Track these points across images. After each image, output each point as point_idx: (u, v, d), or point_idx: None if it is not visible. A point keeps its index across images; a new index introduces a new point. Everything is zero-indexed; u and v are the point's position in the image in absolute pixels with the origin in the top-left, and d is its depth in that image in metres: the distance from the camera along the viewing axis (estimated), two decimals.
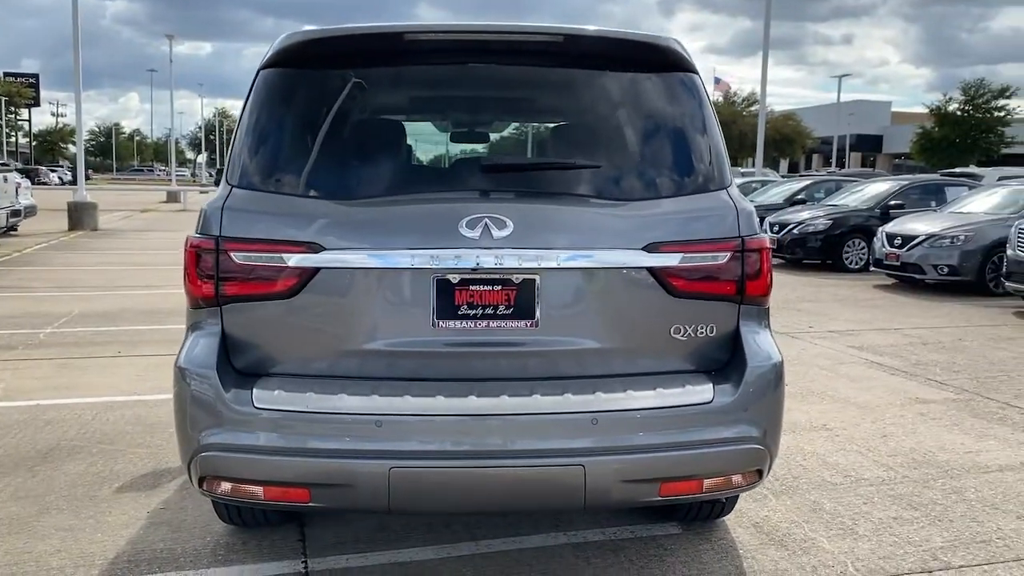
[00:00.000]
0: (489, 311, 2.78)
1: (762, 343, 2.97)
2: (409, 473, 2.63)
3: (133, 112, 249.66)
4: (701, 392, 2.82)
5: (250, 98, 3.03)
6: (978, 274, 11.86)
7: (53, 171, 58.22)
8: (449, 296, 2.77)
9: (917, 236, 12.32)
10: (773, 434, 2.93)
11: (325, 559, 3.46)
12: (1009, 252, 10.51)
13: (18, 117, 78.94)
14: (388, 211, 2.85)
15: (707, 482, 2.82)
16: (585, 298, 2.85)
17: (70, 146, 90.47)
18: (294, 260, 2.75)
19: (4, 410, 5.48)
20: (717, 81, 59.92)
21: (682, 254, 2.85)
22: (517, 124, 5.34)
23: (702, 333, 2.92)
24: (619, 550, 3.58)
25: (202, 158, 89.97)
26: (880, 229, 13.32)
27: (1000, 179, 16.56)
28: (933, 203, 15.23)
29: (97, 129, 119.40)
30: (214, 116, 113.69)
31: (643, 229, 2.85)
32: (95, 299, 10.10)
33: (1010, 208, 12.51)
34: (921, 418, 5.66)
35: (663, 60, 3.08)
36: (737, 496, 3.70)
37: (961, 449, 5.01)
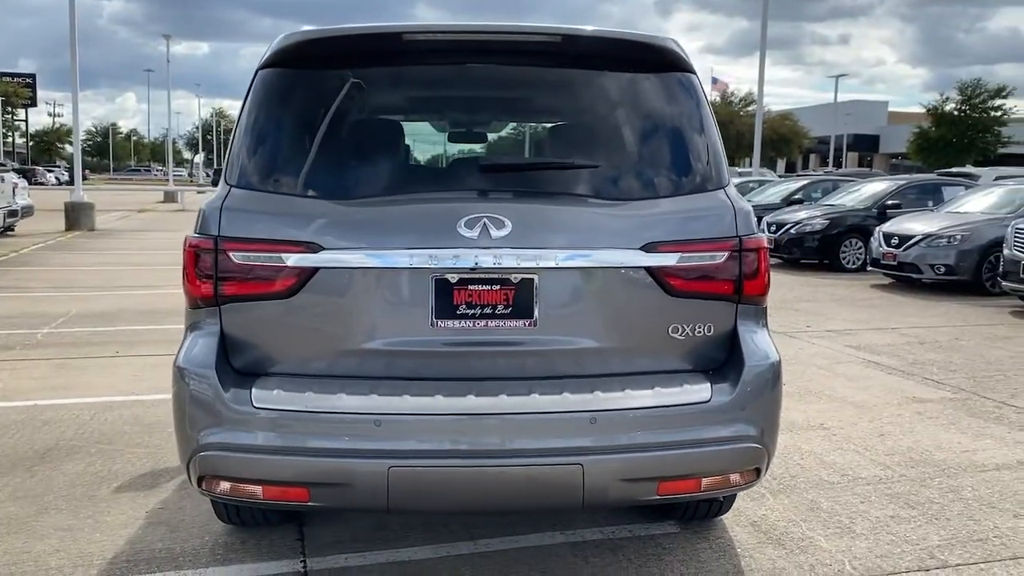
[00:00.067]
0: (488, 311, 2.79)
1: (760, 342, 2.98)
2: (408, 472, 2.64)
3: (130, 112, 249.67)
4: (699, 391, 2.83)
5: (248, 98, 3.03)
6: (975, 274, 11.89)
7: (50, 171, 58.25)
8: (448, 296, 2.77)
9: (914, 236, 12.35)
10: (771, 433, 2.94)
11: (324, 558, 3.47)
12: (1006, 252, 10.54)
13: (15, 117, 78.82)
14: (386, 211, 2.86)
15: (705, 481, 2.83)
16: (583, 298, 2.86)
17: (67, 146, 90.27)
18: (293, 260, 2.76)
19: (2, 410, 5.48)
20: (714, 81, 59.96)
21: (680, 254, 2.86)
22: (515, 124, 5.35)
23: (700, 332, 2.93)
24: (617, 549, 3.58)
25: (199, 158, 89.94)
26: (877, 229, 13.35)
27: (996, 179, 16.59)
28: (930, 203, 15.26)
29: (94, 129, 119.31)
30: (211, 116, 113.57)
31: (641, 229, 2.86)
32: (93, 299, 10.09)
33: (1006, 208, 12.54)
34: (918, 417, 5.68)
35: (661, 60, 3.09)
36: (735, 495, 3.71)
37: (958, 448, 5.02)
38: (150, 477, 4.36)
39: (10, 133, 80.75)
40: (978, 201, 13.38)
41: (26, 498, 4.06)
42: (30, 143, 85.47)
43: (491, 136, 4.95)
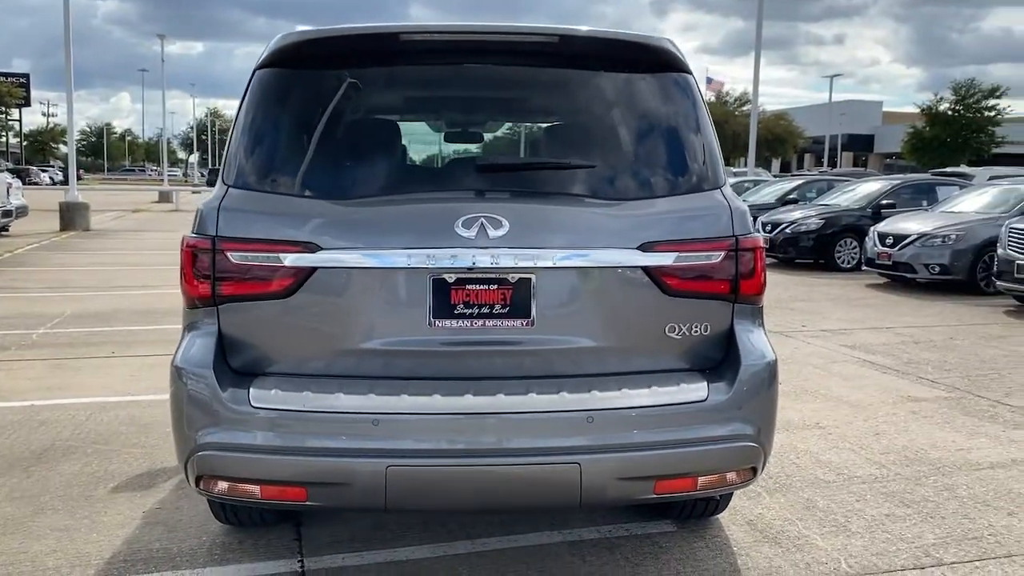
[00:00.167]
0: (485, 310, 2.80)
1: (756, 342, 2.99)
2: (406, 471, 2.64)
3: (124, 112, 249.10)
4: (696, 390, 2.84)
5: (246, 98, 3.03)
6: (969, 273, 11.93)
7: (44, 171, 58.08)
8: (445, 295, 2.78)
9: (909, 235, 12.38)
10: (767, 432, 2.95)
11: (321, 558, 3.47)
12: (1000, 251, 10.58)
13: (8, 117, 78.57)
14: (384, 211, 2.86)
15: (702, 480, 2.84)
16: (580, 297, 2.87)
17: (61, 146, 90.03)
18: (290, 260, 2.76)
19: None
20: (709, 81, 59.97)
21: (677, 253, 2.87)
22: (512, 124, 5.36)
23: (696, 332, 2.94)
24: (614, 548, 3.59)
25: (194, 158, 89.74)
26: (872, 228, 13.39)
27: (991, 178, 16.64)
28: (924, 202, 15.31)
29: (88, 129, 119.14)
30: (206, 116, 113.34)
31: (638, 228, 2.87)
32: (88, 299, 10.08)
33: (1001, 207, 12.58)
34: (913, 416, 5.70)
35: (657, 60, 3.10)
36: (731, 494, 3.72)
37: (953, 447, 5.05)
38: (147, 477, 4.36)
39: (4, 133, 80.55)
40: (972, 201, 13.43)
41: (23, 498, 4.05)
42: (24, 143, 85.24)
43: (488, 136, 4.95)
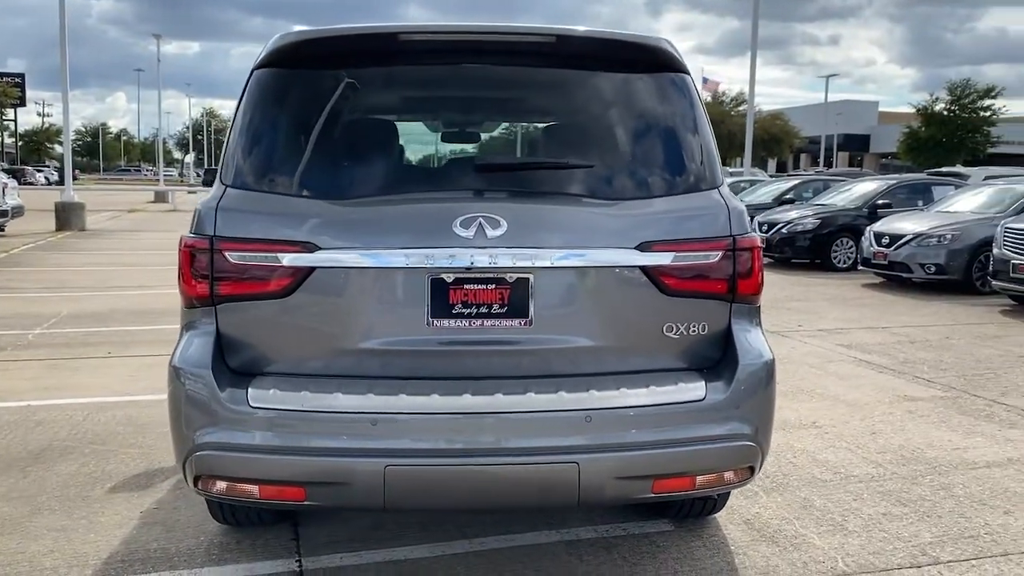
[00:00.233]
0: (483, 310, 2.80)
1: (753, 341, 3.00)
2: (404, 471, 2.65)
3: (120, 112, 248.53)
4: (693, 390, 2.84)
5: (244, 98, 3.04)
6: (965, 273, 11.96)
7: (39, 171, 57.87)
8: (443, 295, 2.78)
9: (905, 235, 12.41)
10: (765, 431, 2.96)
11: (319, 558, 3.47)
12: (995, 251, 10.60)
13: (4, 117, 78.27)
14: (382, 211, 2.87)
15: (699, 479, 2.85)
16: (578, 297, 2.87)
17: (56, 146, 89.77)
18: (289, 260, 2.76)
19: None
20: (705, 81, 60.01)
21: (674, 253, 2.88)
22: (510, 124, 5.36)
23: (694, 331, 2.95)
24: (612, 547, 3.60)
25: (190, 158, 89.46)
26: (868, 228, 13.41)
27: (986, 178, 16.68)
28: (920, 202, 15.35)
29: (84, 129, 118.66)
30: (202, 116, 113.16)
31: (636, 228, 2.88)
32: (84, 300, 10.06)
33: (996, 207, 12.61)
34: (909, 415, 5.71)
35: (654, 60, 3.10)
36: (729, 493, 3.73)
37: (949, 446, 5.06)
38: (144, 477, 4.36)
39: None
40: (968, 201, 13.46)
41: (20, 499, 4.05)
42: (19, 143, 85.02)
43: (486, 136, 4.95)
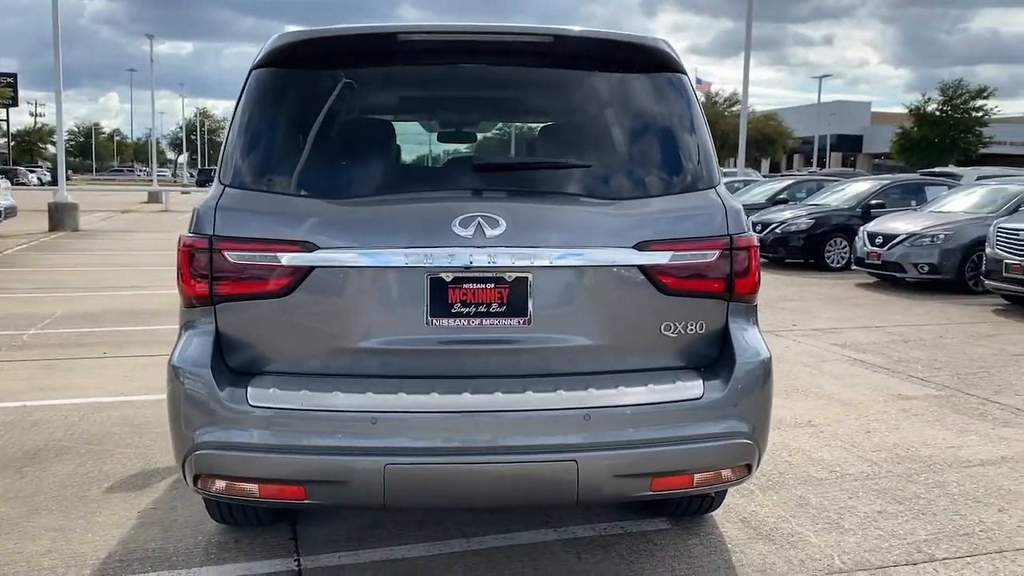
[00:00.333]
0: (482, 309, 2.81)
1: (750, 340, 3.01)
2: (404, 470, 2.65)
3: (113, 112, 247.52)
4: (691, 388, 2.86)
5: (242, 98, 3.04)
6: (958, 272, 12.01)
7: (32, 172, 57.69)
8: (443, 294, 2.79)
9: (898, 235, 12.45)
10: (762, 429, 2.97)
11: (318, 557, 3.47)
12: (988, 251, 10.65)
13: None
14: (381, 210, 2.87)
15: (697, 477, 2.86)
16: (577, 296, 2.88)
17: (49, 146, 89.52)
18: (288, 259, 2.77)
19: None
20: (699, 82, 60.10)
21: (672, 252, 2.89)
22: (508, 124, 5.37)
23: (692, 330, 2.96)
24: (609, 546, 3.61)
25: (183, 158, 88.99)
26: (861, 228, 13.45)
27: (979, 179, 16.75)
28: (913, 202, 15.40)
29: (76, 129, 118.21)
30: (195, 116, 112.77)
31: (634, 227, 2.89)
32: (78, 300, 10.03)
33: (988, 207, 12.66)
34: (904, 414, 5.74)
35: (652, 60, 3.12)
36: (726, 491, 3.75)
37: (943, 444, 5.09)
38: (141, 477, 4.35)
39: None
40: (961, 201, 13.51)
41: (16, 499, 4.04)
42: (11, 143, 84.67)
43: (484, 136, 4.97)
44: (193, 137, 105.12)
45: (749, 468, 2.96)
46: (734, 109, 55.15)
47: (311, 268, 2.77)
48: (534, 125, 3.75)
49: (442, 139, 4.50)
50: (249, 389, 2.74)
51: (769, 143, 60.66)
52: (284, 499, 2.79)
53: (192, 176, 64.40)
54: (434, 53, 3.08)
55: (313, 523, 3.76)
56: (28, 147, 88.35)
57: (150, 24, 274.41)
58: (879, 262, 12.62)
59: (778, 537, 3.74)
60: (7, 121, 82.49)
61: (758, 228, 15.45)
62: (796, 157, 67.33)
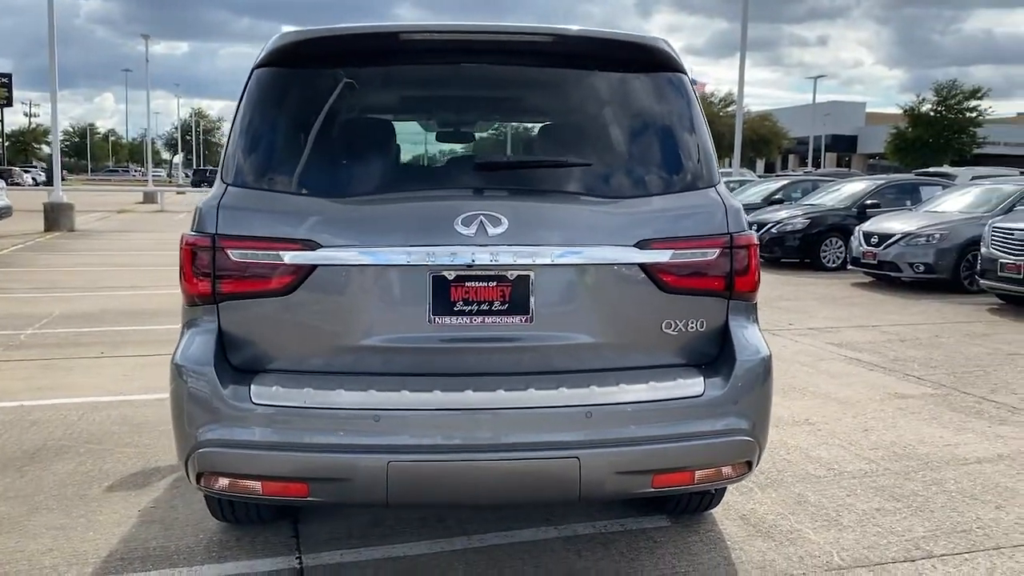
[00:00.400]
0: (484, 307, 2.82)
1: (750, 337, 3.03)
2: (407, 467, 2.67)
3: (108, 112, 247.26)
4: (692, 385, 2.88)
5: (244, 97, 3.05)
6: (953, 272, 12.06)
7: (27, 172, 57.51)
8: (445, 292, 2.80)
9: (893, 235, 12.50)
10: (762, 426, 2.99)
11: (319, 555, 3.49)
12: (983, 250, 10.69)
13: None
14: (384, 209, 2.89)
15: (698, 473, 2.88)
16: (578, 294, 2.90)
17: (43, 147, 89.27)
18: (290, 257, 2.78)
19: None
20: (693, 83, 60.12)
21: (673, 250, 2.91)
22: (510, 123, 5.38)
23: (692, 328, 2.98)
24: (609, 543, 3.63)
25: (178, 158, 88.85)
26: (857, 228, 13.50)
27: (973, 179, 16.81)
28: (908, 202, 15.46)
29: (72, 129, 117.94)
30: (190, 116, 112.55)
31: (635, 226, 2.91)
32: (76, 300, 10.02)
33: (983, 207, 12.72)
34: (900, 412, 5.77)
35: (652, 60, 3.14)
36: (725, 489, 3.77)
37: (940, 442, 5.11)
38: (141, 476, 4.36)
39: None
40: (955, 200, 13.57)
41: (16, 498, 4.05)
42: (6, 143, 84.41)
43: (486, 135, 4.98)
44: (188, 137, 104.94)
45: (749, 465, 2.98)
46: (729, 110, 55.30)
47: (314, 266, 2.78)
48: (535, 124, 3.76)
49: (444, 138, 4.51)
50: (252, 387, 2.75)
51: (764, 143, 60.82)
52: (287, 496, 2.80)
53: (187, 176, 64.21)
54: (436, 52, 3.10)
55: (314, 521, 3.77)
56: (23, 147, 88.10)
57: (146, 24, 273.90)
58: (875, 262, 12.66)
59: (777, 534, 3.76)
60: (1, 121, 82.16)
61: (754, 228, 15.47)
62: (791, 157, 67.48)
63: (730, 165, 32.60)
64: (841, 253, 14.93)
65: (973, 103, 48.25)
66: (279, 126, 3.07)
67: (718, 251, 2.96)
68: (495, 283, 2.81)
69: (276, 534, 3.65)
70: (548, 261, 2.81)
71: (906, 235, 12.36)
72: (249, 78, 3.08)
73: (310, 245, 2.78)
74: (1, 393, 5.89)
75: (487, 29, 2.99)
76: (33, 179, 54.01)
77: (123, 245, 17.94)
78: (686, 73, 3.20)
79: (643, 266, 2.90)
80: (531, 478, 2.74)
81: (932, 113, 48.52)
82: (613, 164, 3.11)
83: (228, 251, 2.80)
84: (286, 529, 3.69)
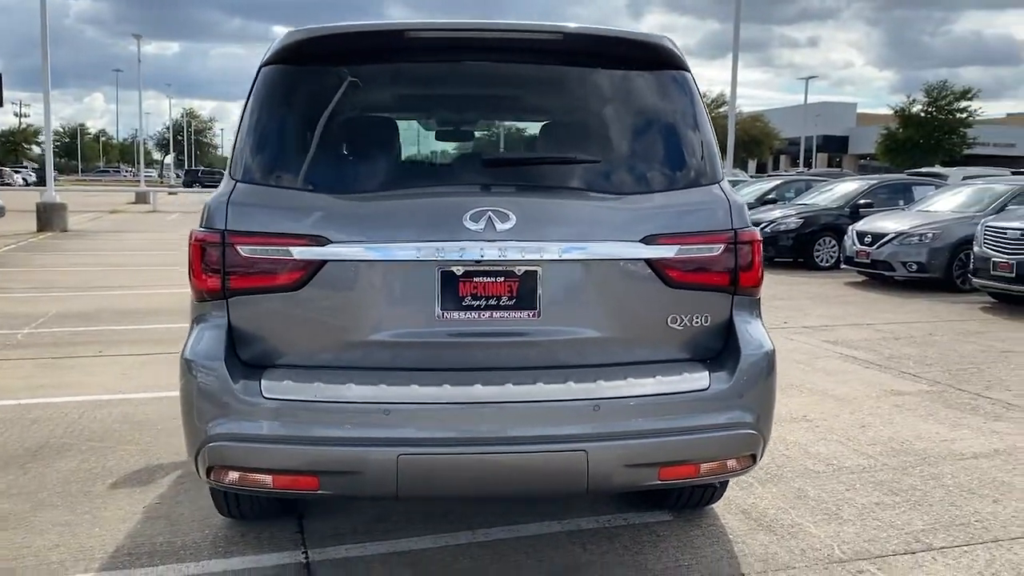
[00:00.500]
0: (492, 302, 2.85)
1: (754, 332, 3.07)
2: (416, 460, 2.69)
3: (98, 112, 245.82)
4: (697, 379, 2.91)
5: (252, 95, 3.07)
6: (946, 271, 12.14)
7: (17, 172, 57.28)
8: (453, 288, 2.83)
9: (886, 234, 12.57)
10: (766, 420, 3.03)
11: (324, 550, 3.51)
12: (976, 249, 10.78)
13: None
14: (392, 205, 2.91)
15: (704, 466, 2.91)
16: (585, 289, 2.93)
17: (34, 147, 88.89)
18: (300, 253, 2.80)
19: None
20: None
21: (678, 246, 2.94)
22: (516, 120, 5.40)
23: (698, 323, 3.01)
24: (613, 537, 3.66)
25: (170, 159, 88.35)
26: (850, 227, 13.57)
27: (965, 179, 16.92)
28: (901, 202, 15.54)
29: (62, 130, 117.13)
30: (182, 116, 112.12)
31: (640, 222, 2.94)
32: (71, 300, 10.00)
33: (975, 206, 12.81)
34: (897, 409, 5.82)
35: (656, 58, 3.17)
36: (727, 483, 3.81)
37: (937, 438, 5.16)
38: (145, 473, 4.37)
39: None
40: (948, 200, 13.66)
41: (20, 495, 4.05)
42: None
43: (493, 132, 5.00)
44: (180, 138, 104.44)
45: (753, 458, 3.01)
46: (721, 110, 55.35)
47: (323, 262, 2.80)
48: (541, 122, 3.79)
49: (451, 135, 4.54)
50: (263, 381, 2.77)
51: (756, 144, 60.97)
52: (298, 490, 2.82)
53: (179, 176, 64.04)
54: (442, 50, 3.12)
55: (319, 516, 3.79)
56: (13, 148, 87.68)
57: (136, 24, 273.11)
58: (868, 261, 12.74)
59: (778, 528, 3.80)
60: None
61: None
62: (783, 158, 67.66)
63: (723, 165, 32.70)
64: (835, 252, 15.00)
65: (963, 104, 48.54)
66: (287, 123, 3.09)
67: (723, 247, 3.00)
68: (503, 278, 2.84)
69: (281, 529, 3.67)
70: (555, 256, 2.84)
71: (899, 234, 12.44)
72: (257, 76, 3.10)
73: (319, 241, 2.80)
74: (1, 391, 5.89)
75: (494, 27, 3.02)
76: (24, 179, 53.83)
77: (117, 245, 17.89)
78: (689, 71, 3.23)
79: (649, 261, 2.93)
80: (539, 471, 2.76)
81: (923, 114, 48.80)
82: (618, 161, 3.14)
83: (238, 247, 2.82)
84: (291, 524, 3.71)
